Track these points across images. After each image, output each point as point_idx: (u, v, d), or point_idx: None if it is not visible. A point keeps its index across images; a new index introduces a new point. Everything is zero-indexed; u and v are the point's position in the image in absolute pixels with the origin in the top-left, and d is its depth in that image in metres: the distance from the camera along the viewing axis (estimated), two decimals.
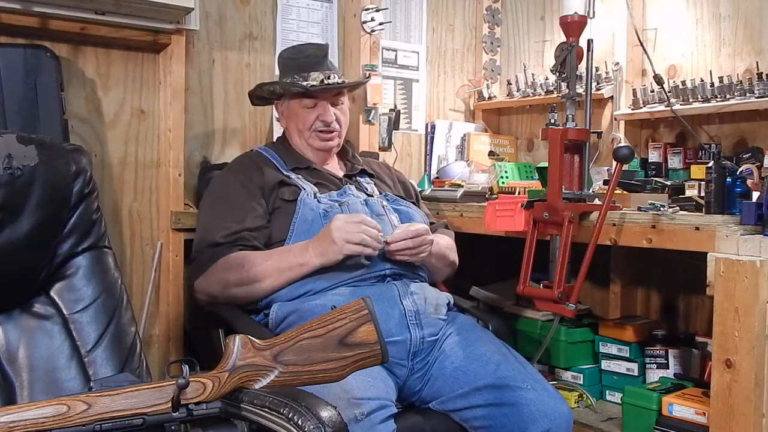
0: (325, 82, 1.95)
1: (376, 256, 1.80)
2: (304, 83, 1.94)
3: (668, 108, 2.30)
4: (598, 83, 2.51)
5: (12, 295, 1.34)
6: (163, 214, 2.22)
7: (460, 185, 2.43)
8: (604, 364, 2.31)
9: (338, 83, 1.98)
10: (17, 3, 1.85)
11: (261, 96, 2.07)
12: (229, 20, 2.42)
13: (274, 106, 2.12)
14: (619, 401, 2.13)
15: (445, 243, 2.02)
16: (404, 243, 1.77)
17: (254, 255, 1.76)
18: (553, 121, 1.93)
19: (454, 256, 2.06)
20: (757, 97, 2.11)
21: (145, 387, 0.98)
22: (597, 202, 1.93)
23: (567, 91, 1.94)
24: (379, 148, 2.68)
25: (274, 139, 2.33)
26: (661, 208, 1.74)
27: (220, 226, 1.80)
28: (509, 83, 2.90)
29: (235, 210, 1.83)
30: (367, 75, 2.51)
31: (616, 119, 2.51)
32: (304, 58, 1.99)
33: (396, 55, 2.82)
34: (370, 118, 2.64)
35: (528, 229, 1.91)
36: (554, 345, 2.32)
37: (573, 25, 1.91)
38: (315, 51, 2.02)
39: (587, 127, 1.92)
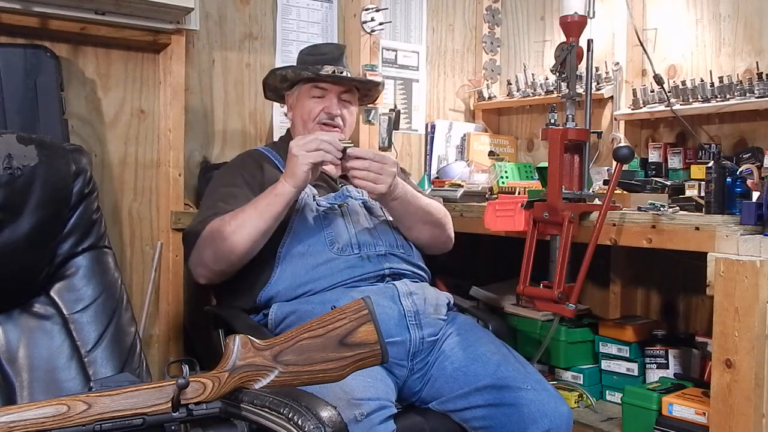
0: (337, 74, 1.95)
1: (375, 253, 1.81)
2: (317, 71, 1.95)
3: (668, 108, 2.30)
4: (598, 83, 2.51)
5: (12, 295, 1.34)
6: (163, 214, 2.22)
7: (460, 185, 2.43)
8: (604, 364, 2.31)
9: (349, 77, 1.98)
10: (17, 3, 1.85)
11: (273, 89, 2.06)
12: (229, 20, 2.42)
13: (284, 98, 2.09)
14: (619, 401, 2.13)
15: (429, 201, 1.96)
16: (365, 161, 1.73)
17: (234, 210, 1.73)
18: (553, 121, 1.93)
19: (440, 218, 1.96)
20: (757, 97, 2.11)
21: (145, 387, 0.98)
22: (597, 202, 1.93)
23: (567, 91, 1.93)
24: (379, 148, 2.68)
25: (275, 140, 2.34)
26: (661, 208, 1.74)
27: (219, 208, 1.79)
28: (509, 83, 2.90)
29: (235, 199, 1.81)
30: (365, 74, 2.51)
31: (616, 119, 2.51)
32: (321, 54, 2.01)
33: (396, 55, 2.82)
34: (370, 118, 2.64)
35: (528, 229, 1.91)
36: (554, 345, 2.32)
37: (573, 25, 1.91)
38: (332, 49, 2.03)
39: (587, 127, 1.92)
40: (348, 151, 1.74)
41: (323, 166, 1.96)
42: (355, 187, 1.82)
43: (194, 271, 1.80)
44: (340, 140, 1.75)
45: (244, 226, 1.70)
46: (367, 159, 1.74)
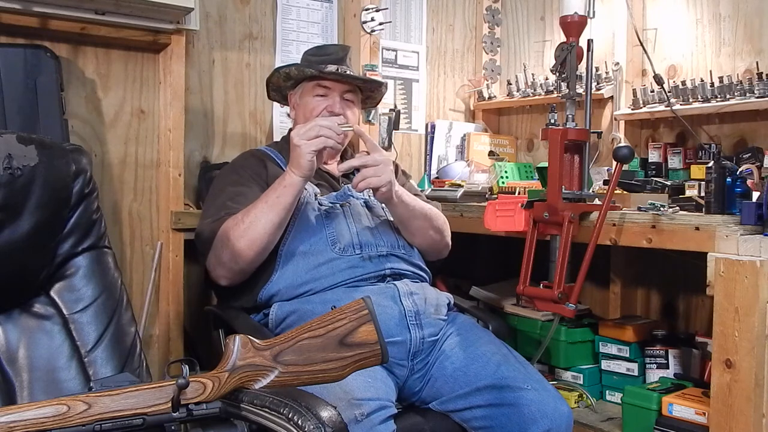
0: (341, 72, 1.95)
1: (377, 254, 1.81)
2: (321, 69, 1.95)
3: (668, 108, 2.30)
4: (598, 83, 2.51)
5: (12, 295, 1.33)
6: (163, 214, 2.22)
7: (460, 185, 2.43)
8: (604, 364, 2.31)
9: (353, 75, 1.98)
10: (17, 3, 1.85)
11: (276, 88, 2.06)
12: (229, 20, 2.42)
13: (287, 97, 2.08)
14: (619, 401, 2.13)
15: (428, 206, 1.96)
16: (371, 159, 1.75)
17: (246, 208, 1.74)
18: (553, 121, 1.93)
19: (439, 224, 1.96)
20: (757, 97, 2.11)
21: (145, 387, 0.98)
22: (597, 202, 1.93)
23: (567, 91, 1.93)
24: None
25: (275, 140, 2.33)
26: (661, 208, 1.74)
27: (230, 208, 1.78)
28: (509, 83, 2.90)
29: (245, 197, 1.81)
30: (365, 75, 2.50)
31: (616, 119, 2.51)
32: (326, 55, 2.01)
33: (396, 55, 2.82)
34: (370, 118, 2.63)
35: (528, 229, 1.91)
36: (554, 345, 2.31)
37: (573, 25, 1.91)
38: (337, 50, 2.04)
39: (587, 127, 1.92)
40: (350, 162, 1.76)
41: (329, 161, 1.97)
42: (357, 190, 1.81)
43: (214, 273, 1.79)
44: (339, 124, 1.76)
45: (257, 222, 1.70)
46: (361, 164, 1.75)
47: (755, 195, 1.71)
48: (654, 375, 2.20)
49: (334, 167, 2.06)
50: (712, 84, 2.24)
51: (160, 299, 2.22)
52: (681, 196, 1.89)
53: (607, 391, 2.30)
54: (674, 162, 2.34)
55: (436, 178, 2.73)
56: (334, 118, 1.84)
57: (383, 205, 1.95)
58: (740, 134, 2.29)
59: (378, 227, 1.89)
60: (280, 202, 1.71)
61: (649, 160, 2.39)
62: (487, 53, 3.05)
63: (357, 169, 1.79)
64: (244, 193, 1.82)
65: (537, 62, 2.92)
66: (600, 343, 2.33)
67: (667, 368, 2.19)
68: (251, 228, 1.70)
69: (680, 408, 1.89)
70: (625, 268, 2.57)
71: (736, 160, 2.03)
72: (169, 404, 0.97)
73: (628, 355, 2.26)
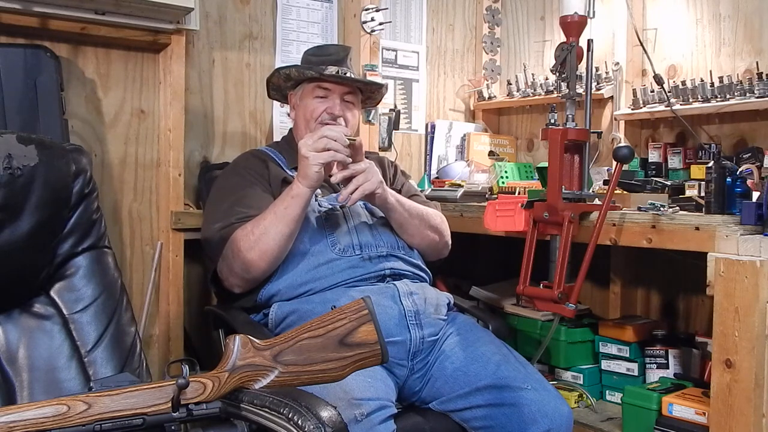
0: (341, 74, 1.95)
1: (377, 254, 1.81)
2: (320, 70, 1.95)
3: (668, 108, 2.30)
4: (598, 83, 2.51)
5: (12, 295, 1.34)
6: (163, 214, 2.22)
7: (460, 185, 2.43)
8: (604, 364, 2.31)
9: (353, 77, 1.98)
10: (17, 3, 1.85)
11: (276, 87, 2.06)
12: (229, 20, 2.42)
13: (287, 97, 2.08)
14: (619, 401, 2.13)
15: (424, 207, 1.97)
16: (358, 167, 1.76)
17: (255, 218, 1.74)
18: (553, 121, 1.93)
19: (436, 224, 1.97)
20: (757, 97, 2.12)
21: (145, 387, 0.98)
22: (597, 202, 1.93)
23: (567, 91, 1.93)
24: (379, 148, 2.68)
25: (275, 140, 2.33)
26: (661, 208, 1.74)
27: (238, 213, 1.78)
28: (509, 83, 2.90)
29: (251, 199, 1.81)
30: (365, 75, 2.50)
31: (616, 119, 2.51)
32: (326, 55, 2.01)
33: (396, 55, 2.82)
34: (370, 118, 2.64)
35: (528, 229, 1.91)
36: (554, 345, 2.32)
37: (573, 25, 1.91)
38: (338, 50, 2.04)
39: (587, 127, 1.92)
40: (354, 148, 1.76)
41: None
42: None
43: (227, 282, 1.80)
44: (345, 135, 1.76)
45: (267, 233, 1.70)
46: (351, 173, 1.76)
47: (755, 195, 1.70)
48: (654, 375, 2.20)
49: (334, 168, 2.06)
50: (712, 84, 2.24)
51: (160, 299, 2.22)
52: (681, 196, 1.89)
53: (607, 391, 2.30)
54: (674, 162, 2.34)
55: (436, 178, 2.73)
56: (339, 127, 1.83)
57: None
58: (740, 134, 2.29)
59: (378, 228, 1.89)
60: (289, 213, 1.71)
61: (649, 160, 2.39)
62: (487, 53, 3.05)
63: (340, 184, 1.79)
64: (250, 195, 1.82)
65: (537, 62, 2.92)
66: (600, 343, 2.33)
67: (667, 368, 2.19)
68: (262, 239, 1.70)
69: (680, 408, 1.89)
70: (625, 268, 2.57)
71: (736, 160, 2.03)
72: (169, 404, 0.97)
73: (628, 355, 2.26)
